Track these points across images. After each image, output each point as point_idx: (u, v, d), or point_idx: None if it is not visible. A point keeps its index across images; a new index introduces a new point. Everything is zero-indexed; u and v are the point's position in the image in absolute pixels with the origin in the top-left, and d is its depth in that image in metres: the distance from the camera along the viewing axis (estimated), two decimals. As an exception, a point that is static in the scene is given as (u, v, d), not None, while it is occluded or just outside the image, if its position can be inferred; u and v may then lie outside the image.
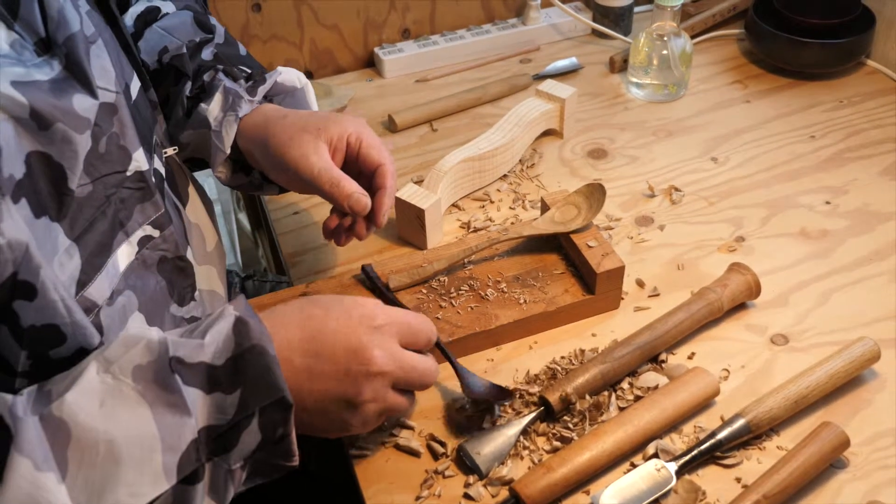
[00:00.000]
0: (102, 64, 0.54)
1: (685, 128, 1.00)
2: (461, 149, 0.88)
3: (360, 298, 0.57)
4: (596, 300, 0.75)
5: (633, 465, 0.65)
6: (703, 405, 0.68)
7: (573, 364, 0.71)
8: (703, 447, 0.64)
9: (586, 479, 0.63)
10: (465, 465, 0.65)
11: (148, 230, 0.59)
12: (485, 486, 0.63)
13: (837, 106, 1.02)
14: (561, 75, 1.10)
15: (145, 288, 0.58)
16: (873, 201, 0.88)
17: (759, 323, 0.76)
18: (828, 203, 0.88)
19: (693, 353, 0.73)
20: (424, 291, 0.76)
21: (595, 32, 1.18)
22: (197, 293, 0.65)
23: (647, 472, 0.63)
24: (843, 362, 0.68)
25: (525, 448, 0.66)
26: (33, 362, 0.49)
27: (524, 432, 0.66)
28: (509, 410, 0.68)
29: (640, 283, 0.80)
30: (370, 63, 1.15)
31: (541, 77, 1.09)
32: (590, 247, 0.76)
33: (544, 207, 0.81)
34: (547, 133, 0.99)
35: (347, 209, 0.65)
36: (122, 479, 0.46)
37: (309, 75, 1.13)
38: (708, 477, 0.64)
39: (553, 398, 0.67)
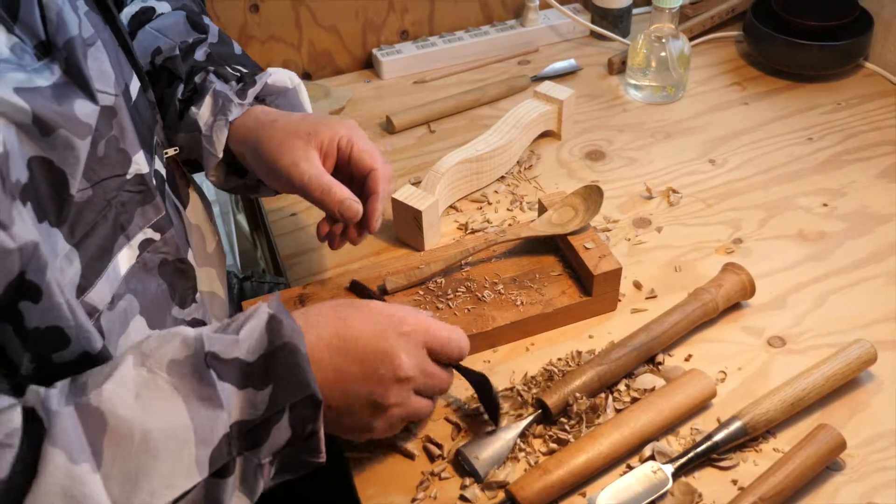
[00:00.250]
0: (101, 66, 0.54)
1: (683, 130, 1.00)
2: (459, 150, 0.88)
3: (393, 305, 0.58)
4: (593, 302, 0.75)
5: (630, 468, 0.64)
6: (700, 407, 0.68)
7: (570, 366, 0.71)
8: (699, 449, 0.64)
9: (583, 481, 0.63)
10: (462, 467, 0.65)
11: (149, 233, 0.59)
12: (481, 488, 0.63)
13: (835, 108, 1.02)
14: (559, 77, 1.10)
15: (146, 291, 0.59)
16: (871, 203, 0.88)
17: (756, 325, 0.76)
18: (825, 205, 0.88)
19: (690, 356, 0.73)
20: (421, 293, 0.76)
21: (593, 34, 1.18)
22: (198, 295, 0.65)
23: (644, 475, 0.63)
24: (839, 364, 0.68)
25: (521, 450, 0.65)
26: (37, 365, 0.49)
27: (521, 435, 0.66)
28: (510, 412, 0.68)
29: (638, 285, 0.80)
30: (368, 64, 1.15)
31: (539, 78, 1.09)
32: (587, 248, 0.76)
33: (542, 209, 0.81)
34: (545, 134, 0.99)
35: (339, 216, 0.65)
36: (157, 470, 0.46)
37: (307, 76, 1.13)
38: (704, 479, 0.64)
39: (551, 402, 0.66)
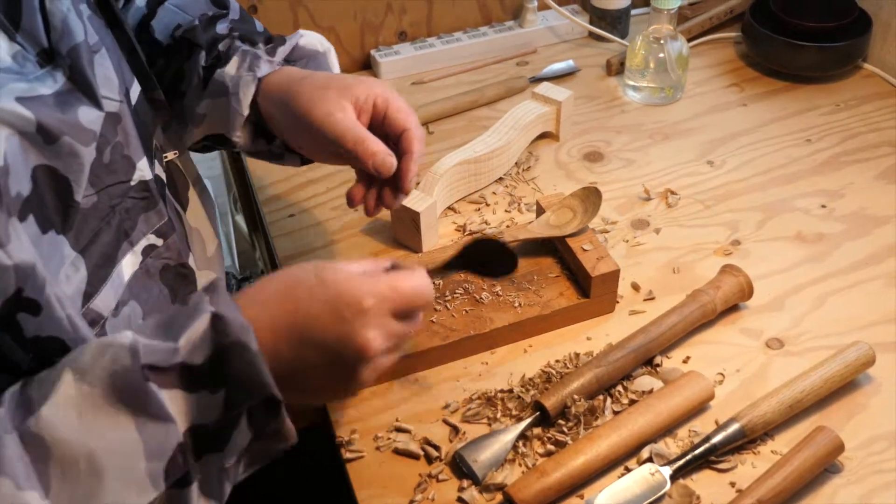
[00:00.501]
0: (106, 73, 0.54)
1: (681, 131, 1.00)
2: (457, 151, 0.88)
3: (344, 276, 0.51)
4: (591, 304, 0.75)
5: (628, 470, 0.65)
6: (698, 409, 0.68)
7: (568, 368, 0.71)
8: (697, 451, 0.64)
9: (581, 483, 0.63)
10: (460, 469, 0.65)
11: (152, 239, 0.58)
12: (479, 490, 0.63)
13: (834, 109, 1.02)
14: (557, 78, 1.10)
15: (149, 297, 0.58)
16: (869, 205, 0.88)
17: (755, 327, 0.75)
18: (824, 207, 0.88)
19: (688, 357, 0.73)
20: (419, 294, 0.76)
21: (592, 35, 1.18)
22: None
23: (642, 477, 0.63)
24: (838, 366, 0.68)
25: (519, 452, 0.65)
26: (38, 366, 0.49)
27: (519, 437, 0.66)
28: (511, 413, 0.68)
29: (636, 287, 0.80)
30: (366, 65, 1.15)
31: (537, 80, 1.09)
32: (585, 250, 0.76)
33: (540, 210, 0.81)
34: (543, 136, 0.99)
35: (372, 169, 0.62)
36: (107, 490, 0.45)
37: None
38: (702, 481, 0.64)
39: (549, 404, 0.66)
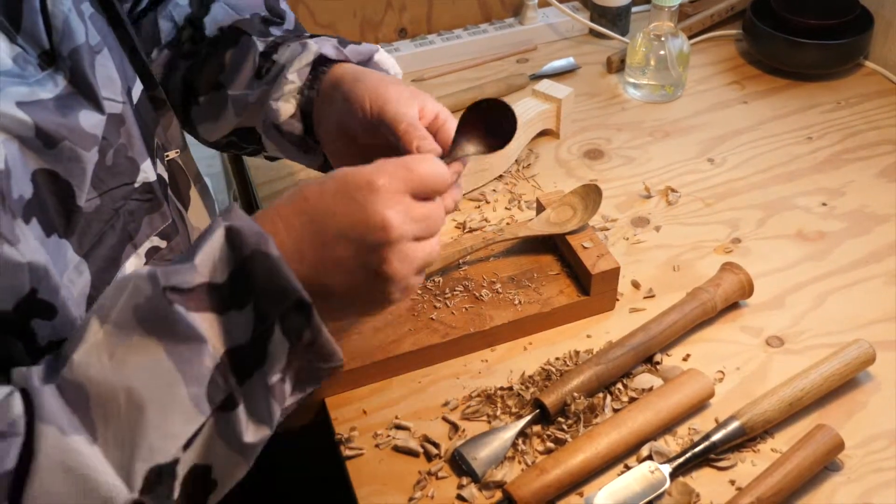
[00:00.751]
0: (108, 73, 0.54)
1: (682, 129, 1.00)
2: (457, 149, 0.88)
3: (351, 168, 0.51)
4: (591, 301, 0.75)
5: (627, 467, 0.65)
6: (698, 407, 0.68)
7: (568, 365, 0.71)
8: (697, 449, 0.64)
9: (580, 480, 0.63)
10: (459, 466, 0.65)
11: (155, 241, 0.58)
12: (479, 488, 0.63)
13: (835, 107, 1.02)
14: (558, 75, 1.10)
15: None
16: (870, 203, 0.88)
17: (755, 325, 0.76)
18: (824, 205, 0.88)
19: (688, 355, 0.73)
20: (419, 292, 0.76)
21: (592, 32, 1.18)
22: None
23: (641, 474, 0.63)
24: (838, 364, 0.68)
25: (519, 450, 0.66)
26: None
27: (519, 435, 0.66)
28: (511, 411, 0.68)
29: (636, 285, 0.80)
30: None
31: (537, 77, 1.09)
32: (585, 248, 0.76)
33: (540, 208, 0.81)
34: (543, 133, 0.99)
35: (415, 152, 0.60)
36: (150, 423, 0.44)
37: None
38: (702, 479, 0.64)
39: (549, 401, 0.67)
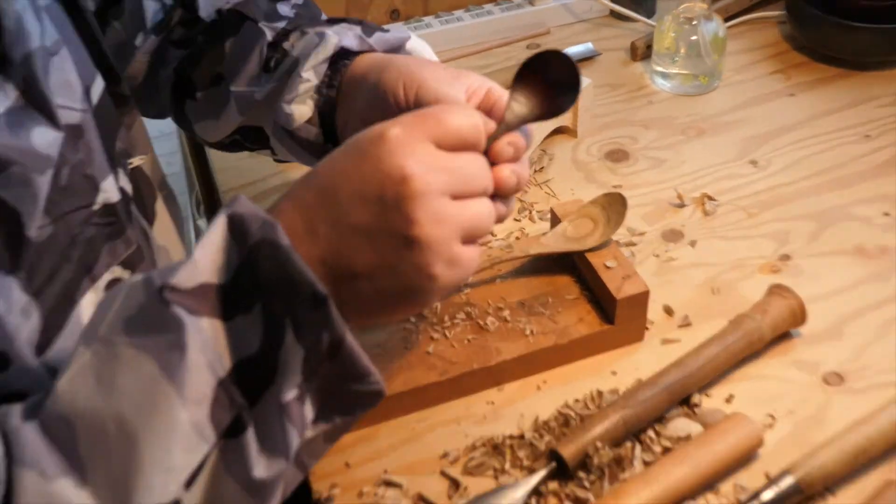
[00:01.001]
0: (66, 77, 0.53)
1: (719, 125, 0.99)
2: (457, 150, 0.86)
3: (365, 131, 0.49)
4: (616, 331, 0.73)
5: (662, 533, 0.61)
6: (744, 459, 0.65)
7: (589, 409, 0.69)
8: (744, 512, 0.61)
9: (605, 550, 0.60)
10: (461, 531, 0.62)
11: (117, 272, 0.56)
12: (484, 557, 0.60)
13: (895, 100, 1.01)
14: (574, 63, 1.08)
15: None
16: (940, 213, 0.86)
17: (809, 359, 0.73)
18: (887, 215, 0.86)
19: (731, 396, 0.70)
20: (413, 320, 0.74)
21: (614, 14, 1.17)
22: None
23: (679, 543, 0.60)
24: (910, 408, 0.65)
25: (532, 511, 0.63)
26: None
27: (532, 493, 0.63)
28: (522, 464, 0.65)
29: (669, 311, 0.78)
30: (353, 49, 1.13)
31: (551, 65, 1.07)
32: (608, 267, 0.74)
33: (555, 220, 0.79)
34: (558, 131, 0.98)
35: None
36: (146, 456, 0.42)
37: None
38: (751, 547, 0.61)
39: (567, 452, 0.64)
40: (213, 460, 0.44)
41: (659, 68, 1.04)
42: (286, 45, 0.68)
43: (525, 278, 0.77)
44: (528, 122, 0.57)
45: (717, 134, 0.97)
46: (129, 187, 0.60)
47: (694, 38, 1.01)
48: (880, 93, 1.01)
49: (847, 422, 0.65)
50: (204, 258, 0.45)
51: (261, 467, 0.44)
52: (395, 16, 1.15)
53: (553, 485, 0.64)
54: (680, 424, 0.67)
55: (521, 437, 0.67)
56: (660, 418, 0.68)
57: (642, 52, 1.08)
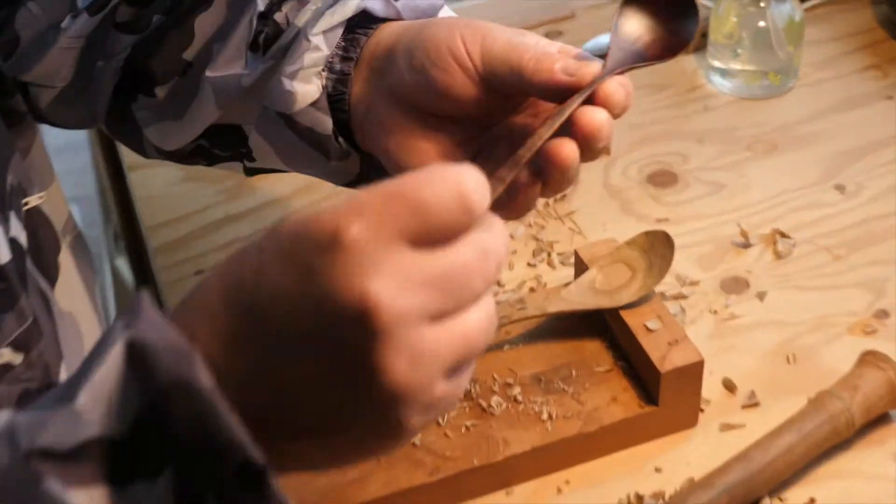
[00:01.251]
0: None
1: (795, 138, 0.99)
2: (454, 173, 0.87)
3: (309, 214, 0.44)
4: (660, 414, 0.74)
5: None
6: (831, 587, 0.65)
7: (626, 519, 0.69)
8: None
9: None
10: None
11: (6, 356, 0.57)
12: None
13: None
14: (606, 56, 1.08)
15: None
16: None
17: (915, 450, 0.73)
18: None
19: (813, 500, 0.70)
20: (394, 400, 0.73)
21: (657, -9, 1.18)
22: None
23: None
24: None
25: None
26: None
27: None
28: None
29: (730, 387, 0.78)
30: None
31: (576, 60, 1.08)
32: (650, 330, 0.74)
33: (581, 266, 0.80)
34: (586, 146, 0.98)
35: (561, 79, 0.59)
36: None
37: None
38: None
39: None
40: None
41: (717, 63, 1.04)
42: (279, 16, 0.68)
43: (542, 344, 0.78)
44: (643, 61, 0.61)
45: (792, 149, 0.98)
46: (23, 237, 0.60)
47: (762, 24, 1.01)
48: None
49: (965, 536, 0.65)
50: (90, 407, 0.41)
51: None
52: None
53: None
54: (745, 540, 0.67)
55: (536, 556, 0.67)
56: (719, 531, 0.68)
57: (696, 41, 1.08)
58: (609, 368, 0.76)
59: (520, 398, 0.74)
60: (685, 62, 1.09)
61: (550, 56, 0.59)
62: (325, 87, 0.67)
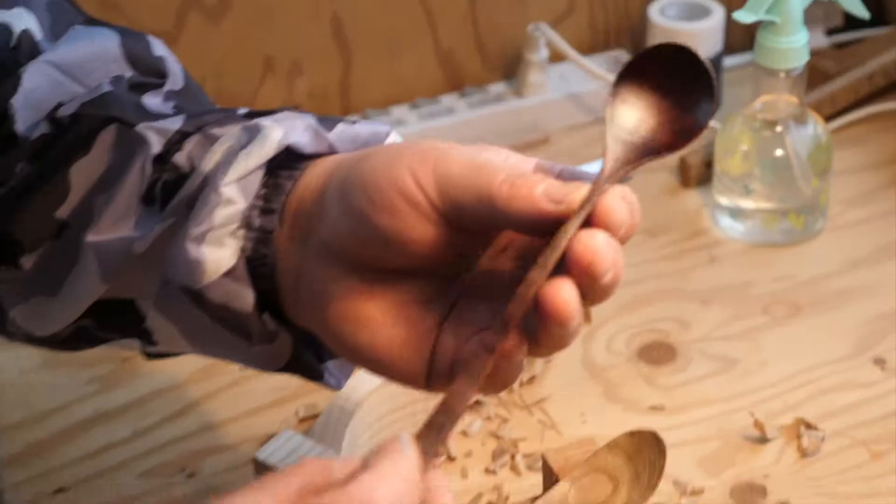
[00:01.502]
0: None
1: (824, 298, 1.00)
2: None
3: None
4: None
5: None
6: None
7: None
8: None
9: None
10: None
11: None
12: None
13: None
14: (588, 192, 1.10)
15: None
16: None
17: None
18: None
19: None
20: None
21: (650, 109, 1.20)
22: None
23: None
24: None
25: None
26: None
27: None
28: None
29: None
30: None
31: (550, 197, 1.09)
32: None
33: (549, 476, 0.80)
34: (559, 311, 0.99)
35: (545, 205, 0.57)
36: None
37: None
38: None
39: None
40: None
41: (725, 201, 1.06)
42: (179, 157, 0.68)
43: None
44: (651, 153, 0.58)
45: (820, 313, 0.98)
46: None
47: (780, 152, 1.03)
48: None
49: None
50: None
51: None
52: (297, 113, 1.18)
53: None
54: None
55: None
56: None
57: (698, 173, 1.10)
58: None
59: None
60: (686, 199, 1.10)
61: (528, 178, 0.56)
62: (242, 251, 0.66)
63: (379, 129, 0.68)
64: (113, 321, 0.71)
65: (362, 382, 0.85)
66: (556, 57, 1.20)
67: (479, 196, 0.57)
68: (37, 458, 0.90)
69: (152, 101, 0.71)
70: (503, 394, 0.92)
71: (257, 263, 0.66)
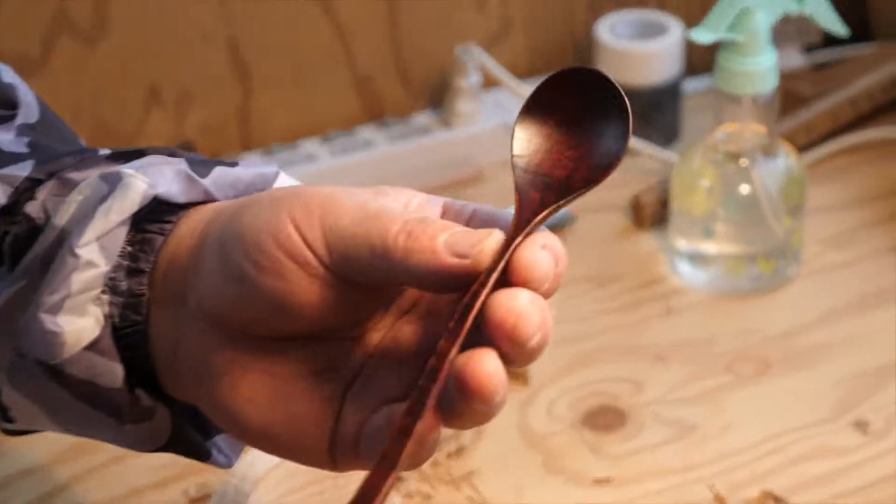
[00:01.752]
0: None
1: (797, 354, 1.02)
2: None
3: None
4: None
5: None
6: None
7: None
8: None
9: None
10: None
11: None
12: None
13: None
14: (527, 237, 1.12)
15: None
16: None
17: None
18: None
19: None
20: None
21: (600, 141, 1.22)
22: None
23: None
24: None
25: None
26: None
27: None
28: None
29: None
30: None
31: (482, 243, 1.11)
32: None
33: None
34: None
35: (450, 262, 0.57)
36: None
37: None
38: None
39: None
40: None
41: (684, 245, 1.08)
42: (32, 208, 0.68)
43: None
44: (567, 193, 0.59)
45: (792, 370, 1.00)
46: None
47: (746, 188, 1.04)
48: None
49: None
50: None
51: None
52: (188, 150, 1.18)
53: None
54: None
55: None
56: None
57: (653, 213, 1.12)
58: None
59: None
60: (639, 243, 1.11)
61: (427, 226, 0.56)
62: (108, 319, 0.65)
63: (265, 170, 0.68)
64: None
65: (259, 458, 0.85)
66: (490, 82, 1.22)
67: (373, 250, 0.57)
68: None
69: (2, 137, 0.71)
70: (426, 466, 0.93)
71: (126, 332, 0.65)
